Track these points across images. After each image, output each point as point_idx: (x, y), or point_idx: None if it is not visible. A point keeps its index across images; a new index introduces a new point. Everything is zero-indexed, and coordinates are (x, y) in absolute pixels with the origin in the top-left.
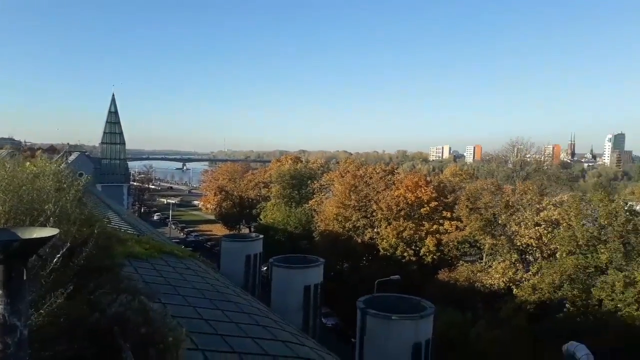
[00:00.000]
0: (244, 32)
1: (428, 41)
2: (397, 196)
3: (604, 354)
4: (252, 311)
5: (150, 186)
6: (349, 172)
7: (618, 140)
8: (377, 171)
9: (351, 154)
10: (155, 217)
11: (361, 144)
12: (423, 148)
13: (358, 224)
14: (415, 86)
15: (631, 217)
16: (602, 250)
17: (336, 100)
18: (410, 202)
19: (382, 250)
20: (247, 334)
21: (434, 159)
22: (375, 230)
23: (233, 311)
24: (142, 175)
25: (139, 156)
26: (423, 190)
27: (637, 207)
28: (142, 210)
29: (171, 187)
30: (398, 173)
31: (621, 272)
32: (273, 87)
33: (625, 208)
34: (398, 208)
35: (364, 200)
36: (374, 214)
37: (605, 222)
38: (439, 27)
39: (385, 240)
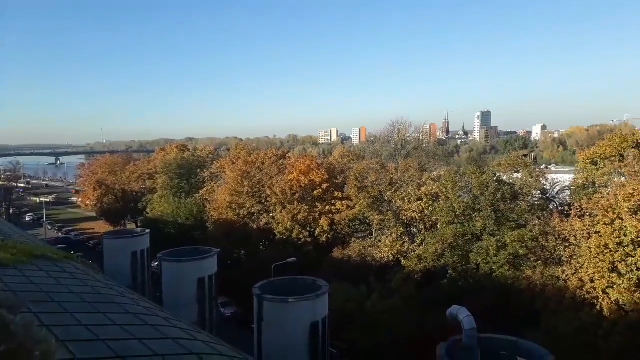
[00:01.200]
0: (117, 17)
1: (307, 32)
2: (290, 180)
3: (484, 312)
4: (139, 311)
5: (19, 185)
6: (240, 158)
7: (485, 118)
8: (269, 156)
9: (242, 140)
10: (28, 219)
11: (252, 129)
12: (312, 132)
13: (253, 210)
14: (302, 73)
15: (500, 187)
16: (477, 219)
17: (224, 85)
18: (303, 185)
19: (278, 235)
20: (133, 335)
21: (324, 142)
22: (270, 215)
23: (117, 313)
24: (9, 173)
25: (3, 152)
26: (315, 173)
27: (504, 177)
28: (10, 211)
29: (47, 185)
30: (290, 157)
31: (494, 237)
32: (155, 72)
33: (494, 179)
34: (292, 192)
35: (258, 186)
36: (269, 199)
37: (478, 193)
38: (317, 16)
39: (280, 225)
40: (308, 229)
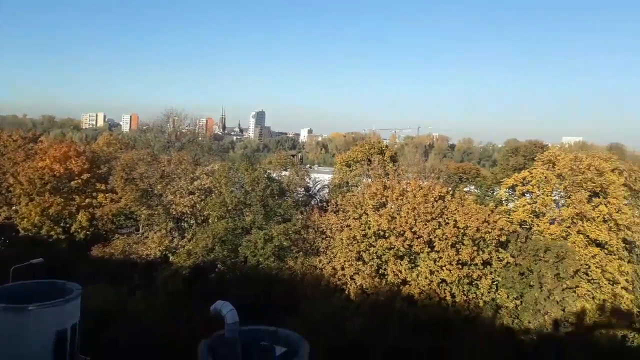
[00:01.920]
0: None
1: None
2: (41, 168)
3: (251, 304)
4: None
5: None
6: None
7: (260, 117)
8: (15, 139)
9: None
10: None
11: None
12: (74, 115)
13: None
14: (64, 43)
15: (269, 183)
16: (247, 213)
17: None
18: (58, 174)
19: (22, 231)
20: None
21: (88, 126)
22: (13, 208)
23: None
24: None
25: None
26: (74, 161)
27: (274, 175)
28: None
29: None
30: (42, 141)
31: (262, 230)
32: None
33: (265, 176)
34: (43, 182)
35: None
36: (11, 189)
37: (250, 188)
38: None
39: (26, 220)
40: (62, 224)
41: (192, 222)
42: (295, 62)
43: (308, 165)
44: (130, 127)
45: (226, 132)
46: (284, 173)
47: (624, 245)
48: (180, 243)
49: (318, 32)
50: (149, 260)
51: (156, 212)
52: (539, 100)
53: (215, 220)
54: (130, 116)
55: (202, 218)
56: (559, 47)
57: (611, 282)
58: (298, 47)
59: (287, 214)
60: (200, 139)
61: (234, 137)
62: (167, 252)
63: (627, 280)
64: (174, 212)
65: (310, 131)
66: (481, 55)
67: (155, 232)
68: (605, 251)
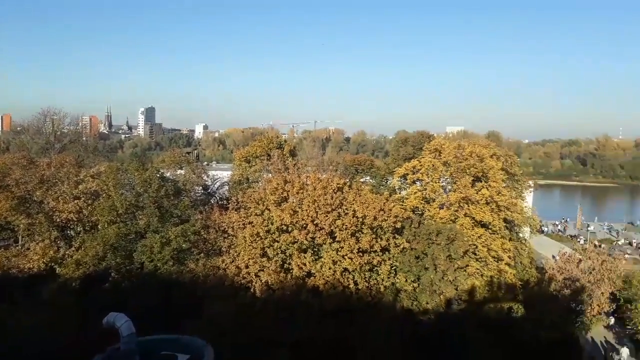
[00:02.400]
0: None
1: None
2: None
3: (149, 311)
4: None
5: None
6: None
7: (149, 114)
8: None
9: None
10: None
11: None
12: None
13: None
14: None
15: (163, 183)
16: (140, 216)
17: None
18: None
19: None
20: None
21: None
22: None
23: None
24: None
25: None
26: None
27: (168, 174)
28: None
29: None
30: None
31: (158, 234)
32: None
33: (158, 175)
34: None
35: None
36: None
37: (142, 190)
38: None
39: None
40: None
41: (79, 229)
42: (186, 56)
43: (205, 162)
44: (1, 128)
45: (113, 130)
46: (179, 172)
47: (505, 224)
48: (67, 253)
49: (210, 26)
50: (32, 274)
51: (37, 221)
52: (425, 92)
53: (106, 225)
54: (1, 116)
55: (90, 224)
56: (438, 41)
57: (496, 259)
58: (189, 41)
59: (184, 214)
60: (84, 139)
61: (122, 136)
62: (52, 264)
63: (509, 257)
64: (57, 220)
65: (205, 127)
66: (370, 51)
67: (37, 243)
68: (490, 231)
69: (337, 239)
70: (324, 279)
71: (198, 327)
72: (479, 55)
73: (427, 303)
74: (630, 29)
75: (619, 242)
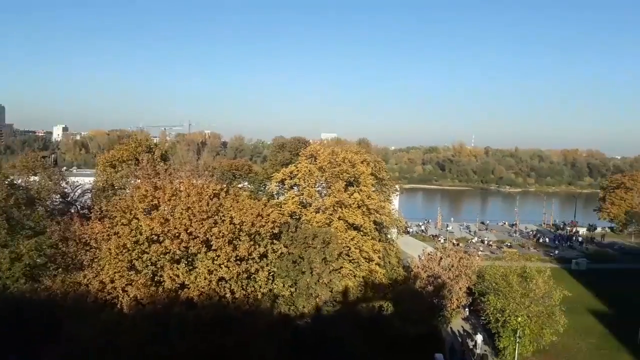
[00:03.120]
0: None
1: None
2: None
3: None
4: None
5: None
6: None
7: None
8: None
9: None
10: None
11: None
12: None
13: None
14: None
15: (13, 191)
16: None
17: None
18: None
19: None
20: None
21: None
22: None
23: None
24: None
25: None
26: None
27: (20, 181)
28: None
29: None
30: None
31: (7, 248)
32: None
33: (7, 182)
34: None
35: None
36: None
37: None
38: None
39: None
40: None
41: None
42: (40, 49)
43: (65, 167)
44: None
45: None
46: (32, 178)
47: (374, 226)
48: None
49: (69, 22)
50: None
51: None
52: (304, 99)
53: None
54: None
55: None
56: (310, 48)
57: (367, 260)
58: (43, 33)
59: (39, 226)
60: None
61: None
62: None
63: (379, 257)
64: None
65: (65, 129)
66: (244, 55)
67: None
68: (361, 233)
69: (213, 248)
70: (199, 290)
71: (56, 351)
72: (346, 64)
73: (303, 307)
74: (463, 54)
75: (473, 240)
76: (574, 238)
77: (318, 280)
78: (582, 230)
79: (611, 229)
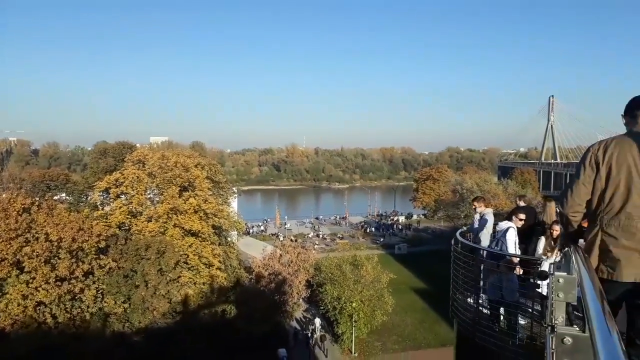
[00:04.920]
0: None
1: None
2: None
3: None
4: None
5: None
6: None
7: None
8: None
9: None
10: None
11: None
12: None
13: None
14: None
15: None
16: None
17: None
18: None
19: None
20: None
21: None
22: None
23: None
24: None
25: None
26: None
27: None
28: None
29: None
30: None
31: None
32: None
33: None
34: None
35: None
36: None
37: None
38: None
39: None
40: None
41: None
42: None
43: None
44: None
45: None
46: None
47: (213, 230)
48: None
49: None
50: None
51: None
52: (131, 100)
53: None
54: None
55: None
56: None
57: (207, 266)
58: None
59: None
60: None
61: None
62: None
63: (219, 262)
64: None
65: None
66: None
67: None
68: (200, 239)
69: (26, 269)
70: (11, 318)
71: None
72: (179, 64)
73: (140, 322)
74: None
75: (310, 235)
76: (395, 226)
77: (154, 293)
78: (402, 219)
79: (424, 215)
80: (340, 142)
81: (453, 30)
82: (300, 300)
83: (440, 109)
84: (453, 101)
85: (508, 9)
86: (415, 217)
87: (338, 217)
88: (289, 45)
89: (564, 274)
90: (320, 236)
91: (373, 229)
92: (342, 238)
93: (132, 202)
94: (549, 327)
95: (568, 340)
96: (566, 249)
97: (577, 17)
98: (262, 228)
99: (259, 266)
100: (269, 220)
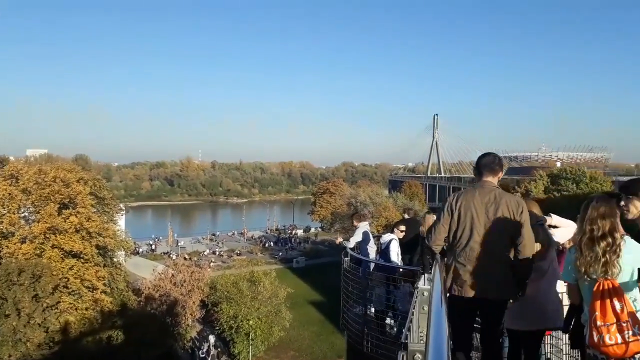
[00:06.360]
0: None
1: None
2: None
3: None
4: None
5: None
6: None
7: None
8: None
9: None
10: None
11: None
12: None
13: None
14: None
15: None
16: None
17: None
18: None
19: None
20: None
21: None
22: None
23: None
24: None
25: None
26: None
27: None
28: None
29: None
30: None
31: None
32: None
33: None
34: None
35: None
36: None
37: None
38: None
39: None
40: None
41: None
42: None
43: None
44: None
45: None
46: None
47: (97, 251)
48: None
49: None
50: None
51: None
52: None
53: None
54: None
55: None
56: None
57: (91, 289)
58: None
59: None
60: None
61: None
62: None
63: (104, 284)
64: None
65: None
66: None
67: None
68: (82, 260)
69: None
70: None
71: None
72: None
73: (10, 356)
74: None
75: (205, 253)
76: (294, 239)
77: (28, 322)
78: (300, 232)
79: (322, 228)
80: (239, 156)
81: (347, 47)
82: (195, 321)
83: (336, 124)
84: (348, 117)
85: (394, 30)
86: (313, 230)
87: (236, 232)
88: (182, 54)
89: (427, 287)
90: (217, 253)
91: (272, 243)
92: (239, 254)
93: (2, 222)
94: (402, 344)
95: (418, 356)
96: (431, 267)
97: (460, 43)
98: (153, 247)
99: (149, 288)
100: (160, 238)
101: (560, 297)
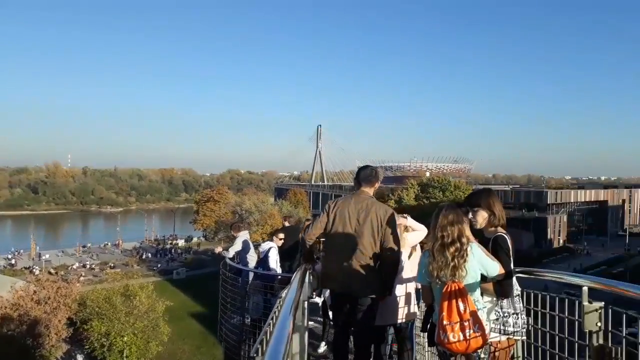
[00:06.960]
0: None
1: None
2: None
3: None
4: None
5: None
6: None
7: None
8: None
9: None
10: None
11: None
12: None
13: None
14: None
15: None
16: None
17: None
18: None
19: None
20: None
21: None
22: None
23: None
24: None
25: None
26: None
27: None
28: None
29: None
30: None
31: None
32: None
33: None
34: None
35: None
36: None
37: None
38: None
39: None
40: None
41: None
42: None
43: None
44: None
45: None
46: None
47: None
48: None
49: None
50: None
51: None
52: None
53: None
54: None
55: None
56: None
57: None
58: None
59: None
60: None
61: None
62: None
63: None
64: None
65: None
66: None
67: None
68: None
69: None
70: None
71: None
72: None
73: None
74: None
75: (74, 267)
76: (174, 250)
77: None
78: (181, 242)
79: (205, 237)
80: (114, 162)
81: (232, 53)
82: (61, 341)
83: (219, 131)
84: (232, 123)
85: (281, 41)
86: (195, 239)
87: (109, 243)
88: (46, 48)
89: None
90: (88, 266)
91: (150, 254)
92: (113, 267)
93: None
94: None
95: None
96: (302, 267)
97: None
98: (12, 261)
99: (6, 307)
100: (21, 251)
101: (407, 297)
